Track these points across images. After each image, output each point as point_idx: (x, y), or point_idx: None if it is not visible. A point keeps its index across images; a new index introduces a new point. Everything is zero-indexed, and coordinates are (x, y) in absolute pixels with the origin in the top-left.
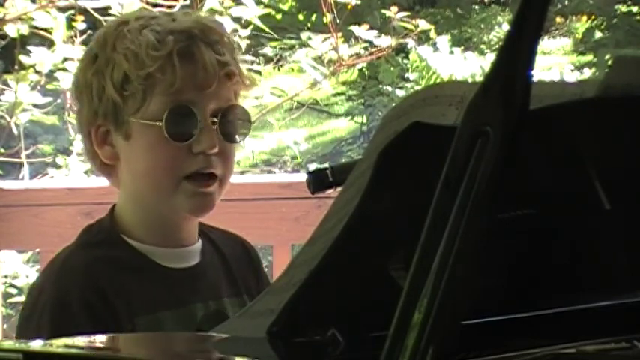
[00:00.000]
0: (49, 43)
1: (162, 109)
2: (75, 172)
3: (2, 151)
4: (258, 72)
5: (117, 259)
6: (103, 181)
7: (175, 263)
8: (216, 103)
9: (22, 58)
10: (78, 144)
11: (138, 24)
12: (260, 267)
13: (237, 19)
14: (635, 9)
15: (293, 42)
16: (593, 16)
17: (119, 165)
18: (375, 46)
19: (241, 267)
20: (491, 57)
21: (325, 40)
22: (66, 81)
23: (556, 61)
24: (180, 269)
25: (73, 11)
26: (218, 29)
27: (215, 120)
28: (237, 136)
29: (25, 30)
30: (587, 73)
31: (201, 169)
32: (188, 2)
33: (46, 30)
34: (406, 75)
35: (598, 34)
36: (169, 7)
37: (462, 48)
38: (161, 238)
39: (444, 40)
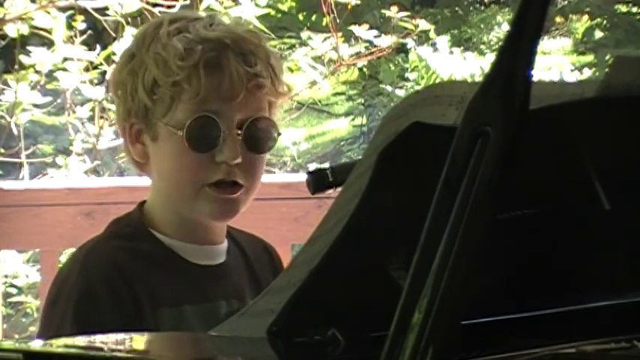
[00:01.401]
0: (49, 43)
1: (187, 117)
2: (75, 172)
3: (2, 151)
4: None
5: (143, 251)
6: (102, 181)
7: (201, 260)
8: (243, 114)
9: (22, 58)
10: (77, 144)
11: (173, 27)
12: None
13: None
14: (635, 9)
15: (293, 41)
16: (593, 16)
17: (150, 163)
18: (375, 46)
19: (264, 269)
20: (490, 57)
21: (325, 39)
22: (66, 81)
23: (556, 61)
24: (205, 266)
25: (72, 11)
26: (252, 39)
27: (239, 131)
28: (262, 148)
29: (25, 30)
30: (587, 73)
31: (224, 178)
32: (188, 2)
33: (45, 30)
34: (406, 75)
35: (598, 34)
36: (169, 7)
37: (462, 48)
38: (189, 235)
39: (443, 40)
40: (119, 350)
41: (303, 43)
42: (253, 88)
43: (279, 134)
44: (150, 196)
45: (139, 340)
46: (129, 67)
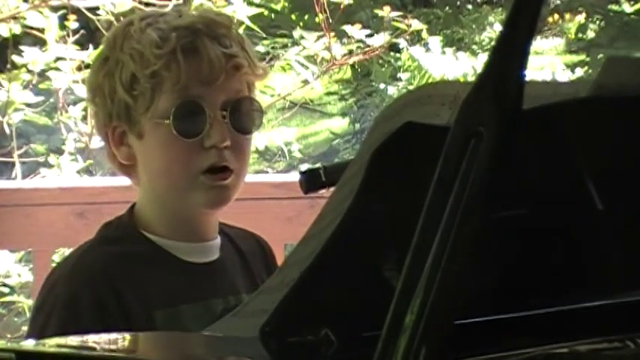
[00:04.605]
0: (42, 43)
1: (170, 106)
2: (67, 172)
3: None
4: None
5: (135, 254)
6: (95, 181)
7: (195, 258)
8: (225, 96)
9: (15, 57)
10: (70, 143)
11: (144, 23)
12: (274, 264)
13: None
14: (628, 9)
15: (286, 40)
16: (586, 15)
17: (137, 164)
18: (368, 46)
19: (257, 263)
20: (483, 57)
21: (318, 39)
22: (58, 80)
23: (549, 61)
24: (200, 264)
25: (65, 11)
26: (224, 22)
27: (225, 113)
28: (249, 128)
29: (17, 29)
30: (580, 72)
31: (215, 162)
32: (181, 1)
33: (38, 29)
34: (398, 75)
35: (591, 34)
36: (162, 6)
37: (454, 48)
38: (181, 233)
39: (435, 41)
40: (112, 350)
41: (296, 43)
42: (232, 69)
43: (263, 113)
44: (139, 198)
45: (132, 340)
46: (104, 71)
